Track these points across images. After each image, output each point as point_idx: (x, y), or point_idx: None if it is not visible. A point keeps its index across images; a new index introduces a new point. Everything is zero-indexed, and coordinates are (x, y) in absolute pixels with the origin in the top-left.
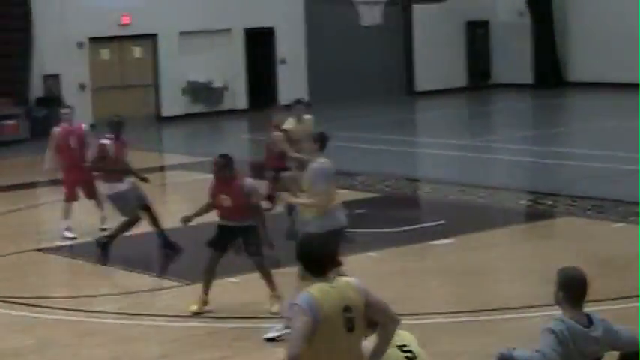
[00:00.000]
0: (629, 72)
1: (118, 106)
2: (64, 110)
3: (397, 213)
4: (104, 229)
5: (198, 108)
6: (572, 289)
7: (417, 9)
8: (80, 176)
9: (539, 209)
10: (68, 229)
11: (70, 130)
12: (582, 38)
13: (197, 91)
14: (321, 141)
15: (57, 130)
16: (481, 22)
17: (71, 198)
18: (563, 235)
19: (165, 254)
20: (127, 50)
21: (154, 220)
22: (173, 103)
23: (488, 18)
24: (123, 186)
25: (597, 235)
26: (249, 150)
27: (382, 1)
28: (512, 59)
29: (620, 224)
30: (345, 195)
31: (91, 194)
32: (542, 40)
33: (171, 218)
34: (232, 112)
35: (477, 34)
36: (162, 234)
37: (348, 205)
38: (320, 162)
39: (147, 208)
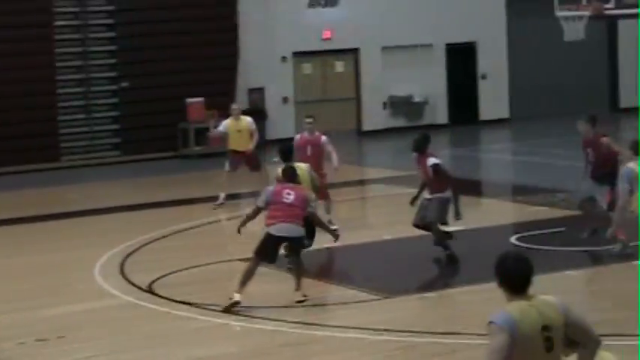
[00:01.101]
0: None
1: (320, 119)
2: (307, 120)
3: (600, 233)
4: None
5: (398, 122)
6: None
7: (623, 24)
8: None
9: None
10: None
11: (309, 139)
12: None
13: (398, 105)
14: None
15: (297, 137)
16: None
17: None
18: None
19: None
20: (329, 64)
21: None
22: (374, 117)
23: None
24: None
25: None
26: (449, 164)
27: (586, 16)
28: None
29: None
30: (546, 212)
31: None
32: None
33: (371, 231)
34: (432, 127)
35: None
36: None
37: (546, 222)
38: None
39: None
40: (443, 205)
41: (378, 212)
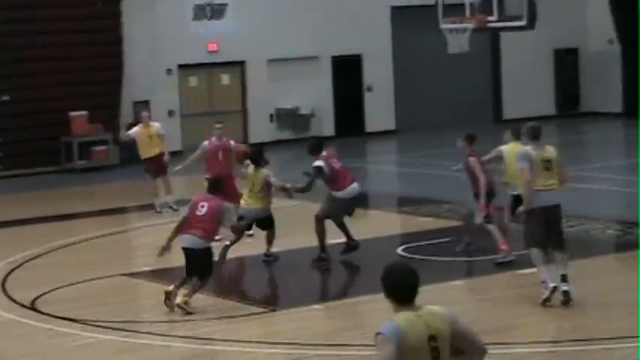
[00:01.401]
0: None
1: (207, 132)
2: (217, 125)
3: (485, 241)
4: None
5: (285, 135)
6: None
7: (505, 36)
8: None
9: (628, 239)
10: None
11: (219, 145)
12: None
13: (285, 117)
14: None
15: (206, 144)
16: (570, 49)
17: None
18: None
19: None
20: (215, 77)
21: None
22: (261, 130)
23: (577, 46)
24: None
25: None
26: None
27: (469, 29)
28: (602, 87)
29: None
30: (431, 223)
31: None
32: (632, 68)
33: (261, 242)
34: (319, 139)
35: (566, 61)
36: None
37: (434, 233)
38: None
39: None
40: (329, 201)
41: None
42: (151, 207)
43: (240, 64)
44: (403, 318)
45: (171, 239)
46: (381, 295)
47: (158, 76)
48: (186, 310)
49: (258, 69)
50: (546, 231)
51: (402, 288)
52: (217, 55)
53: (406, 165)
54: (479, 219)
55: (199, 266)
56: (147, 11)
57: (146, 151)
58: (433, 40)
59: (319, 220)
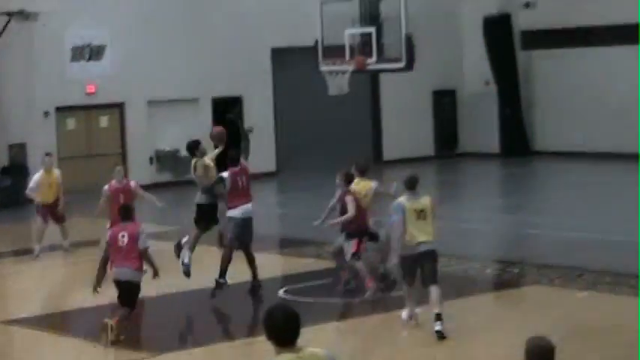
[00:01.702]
0: (594, 141)
1: (86, 175)
2: (117, 168)
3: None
4: None
5: (165, 177)
6: (539, 358)
7: (384, 78)
8: None
9: (507, 278)
10: None
11: (119, 187)
12: (548, 108)
13: (165, 159)
14: None
15: (106, 188)
16: (448, 91)
17: None
18: (530, 304)
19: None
20: (93, 119)
21: None
22: (141, 172)
23: (455, 87)
24: None
25: (564, 304)
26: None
27: (349, 70)
28: (479, 128)
29: (585, 292)
30: (313, 264)
31: None
32: (509, 109)
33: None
34: None
35: (444, 103)
36: None
37: (316, 274)
38: None
39: None
40: (230, 223)
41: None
42: (28, 252)
43: (119, 105)
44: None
45: (100, 278)
46: (263, 337)
47: (35, 119)
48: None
49: (137, 111)
50: (420, 272)
51: (283, 330)
52: (96, 97)
53: (287, 206)
54: (348, 256)
55: (128, 298)
56: (23, 51)
57: (45, 197)
58: (314, 82)
59: (227, 248)
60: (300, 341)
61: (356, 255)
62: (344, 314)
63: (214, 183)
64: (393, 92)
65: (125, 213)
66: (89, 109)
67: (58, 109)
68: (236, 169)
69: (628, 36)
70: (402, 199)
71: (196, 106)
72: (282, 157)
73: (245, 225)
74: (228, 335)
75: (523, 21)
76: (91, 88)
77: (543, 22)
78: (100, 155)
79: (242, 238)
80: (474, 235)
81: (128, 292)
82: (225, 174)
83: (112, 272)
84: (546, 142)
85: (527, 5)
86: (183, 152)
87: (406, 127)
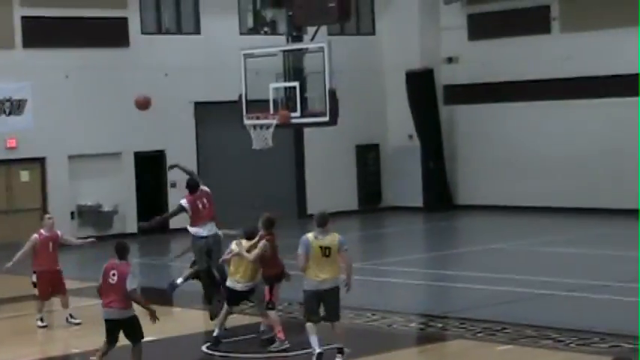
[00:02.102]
0: (515, 195)
1: (6, 230)
2: (47, 216)
3: (288, 336)
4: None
5: (87, 232)
6: None
7: (308, 132)
8: (53, 276)
9: (430, 332)
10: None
11: (49, 236)
12: (470, 162)
13: (87, 214)
14: None
15: (35, 236)
16: (372, 145)
17: (44, 297)
18: (453, 358)
19: None
20: (14, 174)
21: None
22: (62, 228)
23: (379, 141)
24: None
25: (486, 358)
26: (140, 273)
27: (273, 124)
28: (403, 182)
29: (507, 346)
30: (237, 318)
31: (62, 291)
32: (432, 162)
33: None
34: (122, 236)
35: (368, 157)
36: None
37: (239, 328)
38: None
39: None
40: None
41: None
42: None
43: (40, 160)
44: None
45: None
46: None
47: None
48: None
49: (58, 165)
50: (324, 308)
51: None
52: (16, 152)
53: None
54: (262, 304)
55: (132, 333)
56: None
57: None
58: (238, 136)
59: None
60: None
61: (269, 303)
62: None
63: (175, 212)
64: (317, 146)
65: (120, 251)
66: (9, 164)
67: None
68: (195, 194)
69: (548, 91)
70: (310, 235)
71: (119, 161)
72: None
73: (214, 242)
74: None
75: (445, 76)
76: (11, 142)
77: (465, 77)
78: (20, 210)
79: (209, 254)
80: (398, 289)
81: (127, 328)
82: (183, 201)
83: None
84: (468, 196)
85: (449, 60)
86: (106, 207)
87: (330, 181)
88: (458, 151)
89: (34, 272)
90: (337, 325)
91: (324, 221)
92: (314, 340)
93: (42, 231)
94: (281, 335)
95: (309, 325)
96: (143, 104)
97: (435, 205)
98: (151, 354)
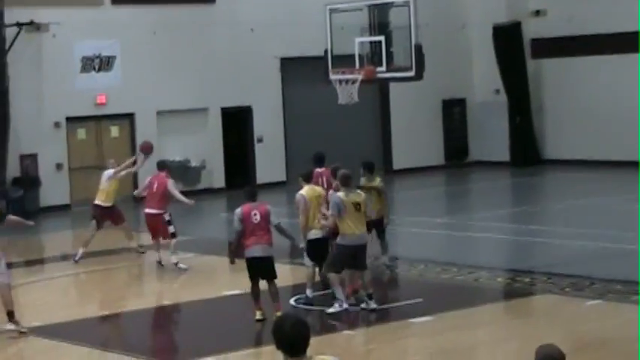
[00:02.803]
0: (604, 150)
1: (96, 186)
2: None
3: (375, 291)
4: None
5: (176, 187)
6: None
7: (394, 87)
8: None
9: (517, 287)
10: None
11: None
12: (558, 116)
13: (175, 170)
14: None
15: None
16: (457, 100)
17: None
18: (540, 313)
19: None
20: (104, 130)
21: None
22: None
23: (465, 96)
24: None
25: (574, 313)
26: (227, 227)
27: (358, 79)
28: (489, 137)
29: (595, 301)
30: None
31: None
32: (519, 117)
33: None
34: (209, 191)
35: (454, 112)
36: None
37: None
38: None
39: None
40: None
41: (154, 277)
42: (37, 262)
43: (129, 116)
44: None
45: (234, 252)
46: (274, 347)
47: (46, 129)
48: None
49: (147, 121)
50: (352, 260)
51: (293, 340)
52: (106, 108)
53: (297, 216)
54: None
55: (271, 271)
56: (34, 63)
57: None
58: (323, 91)
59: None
60: (309, 350)
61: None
62: (357, 322)
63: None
64: (403, 101)
65: (253, 194)
66: (99, 120)
67: (69, 120)
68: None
69: (634, 43)
70: (340, 194)
71: (206, 117)
72: (291, 167)
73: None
74: (237, 344)
75: (533, 29)
76: (101, 99)
77: (553, 31)
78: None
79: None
80: (484, 245)
81: (267, 266)
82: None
83: (246, 249)
84: (556, 151)
85: (537, 13)
86: (194, 162)
87: (416, 137)
88: (545, 105)
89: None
90: (366, 273)
91: (349, 180)
92: (341, 291)
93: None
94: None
95: (334, 275)
96: (147, 149)
97: (522, 159)
98: (239, 308)
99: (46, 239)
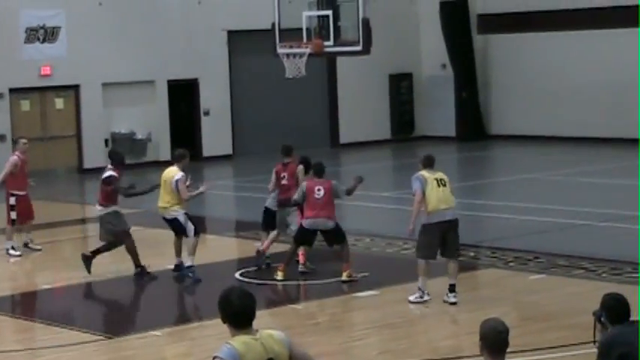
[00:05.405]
0: (550, 126)
1: (40, 157)
2: (23, 140)
3: (321, 265)
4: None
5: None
6: (493, 340)
7: (341, 61)
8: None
9: (462, 261)
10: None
11: (25, 159)
12: (504, 91)
13: (120, 142)
14: None
15: (15, 157)
16: (404, 74)
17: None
18: (485, 287)
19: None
20: (48, 101)
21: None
22: (96, 155)
23: (412, 71)
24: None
25: (518, 287)
26: None
27: (306, 53)
28: (435, 112)
29: (539, 275)
30: (273, 247)
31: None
32: (465, 92)
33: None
34: (155, 164)
35: (401, 86)
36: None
37: (272, 256)
38: None
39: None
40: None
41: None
42: None
43: (75, 87)
44: (241, 341)
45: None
46: (219, 320)
47: None
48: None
49: (92, 93)
50: (440, 243)
51: (239, 312)
52: (51, 79)
53: (243, 189)
54: (293, 228)
55: (339, 238)
56: None
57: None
58: (270, 65)
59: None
60: (255, 323)
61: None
62: (301, 296)
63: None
64: (350, 76)
65: (321, 171)
66: (44, 91)
67: (12, 91)
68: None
69: (583, 20)
70: (422, 172)
71: (152, 89)
72: (238, 141)
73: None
74: (184, 318)
75: (480, 5)
76: (45, 70)
77: (499, 6)
78: (55, 137)
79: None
80: None
81: (335, 234)
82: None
83: (305, 222)
84: (502, 126)
85: None
86: (140, 135)
87: (363, 111)
88: (491, 80)
89: (12, 195)
90: (454, 262)
91: (432, 162)
92: (424, 282)
93: (18, 154)
94: (301, 258)
95: (423, 262)
96: None
97: (468, 134)
98: (181, 280)
99: None
